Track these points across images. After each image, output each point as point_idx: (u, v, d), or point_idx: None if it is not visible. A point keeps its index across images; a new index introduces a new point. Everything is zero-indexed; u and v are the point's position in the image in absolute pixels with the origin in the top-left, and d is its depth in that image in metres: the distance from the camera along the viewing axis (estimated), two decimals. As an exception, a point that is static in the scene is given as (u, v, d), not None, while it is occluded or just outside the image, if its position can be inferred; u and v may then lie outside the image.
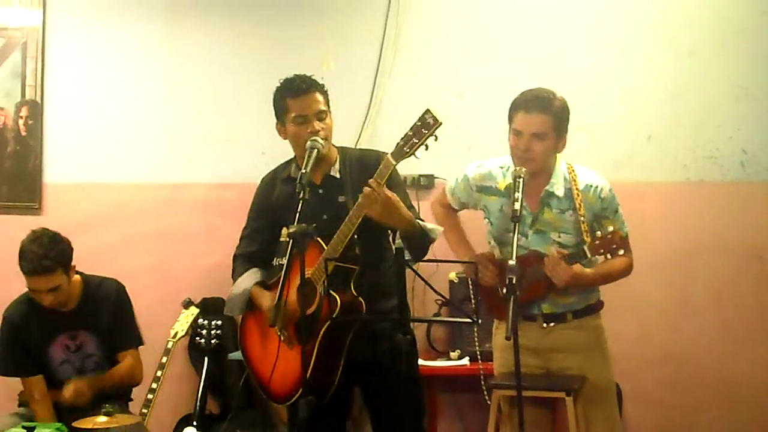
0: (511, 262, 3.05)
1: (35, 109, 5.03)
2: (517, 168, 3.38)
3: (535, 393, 3.44)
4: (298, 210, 3.13)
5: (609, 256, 3.45)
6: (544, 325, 3.56)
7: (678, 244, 4.72)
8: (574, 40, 4.80)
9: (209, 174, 5.00)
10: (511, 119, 3.52)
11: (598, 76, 4.77)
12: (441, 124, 3.08)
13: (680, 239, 4.72)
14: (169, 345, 4.09)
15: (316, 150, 3.31)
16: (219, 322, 4.46)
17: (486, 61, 4.82)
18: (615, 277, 3.58)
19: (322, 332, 3.25)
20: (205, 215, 4.98)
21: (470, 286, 4.38)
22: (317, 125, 3.37)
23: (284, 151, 3.56)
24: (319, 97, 3.41)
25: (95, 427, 3.48)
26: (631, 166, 4.73)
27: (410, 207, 3.39)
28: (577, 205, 3.50)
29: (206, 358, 4.49)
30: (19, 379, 4.10)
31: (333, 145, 3.48)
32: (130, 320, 4.14)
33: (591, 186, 3.54)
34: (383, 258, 3.44)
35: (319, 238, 3.26)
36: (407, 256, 3.33)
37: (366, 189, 3.18)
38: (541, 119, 3.45)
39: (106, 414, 3.52)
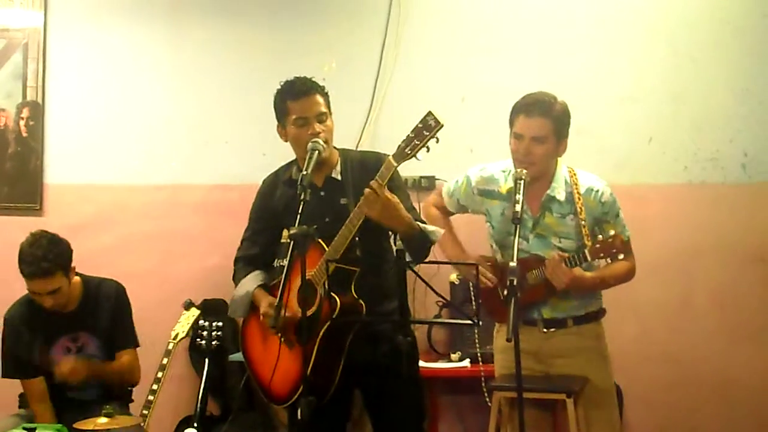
0: (512, 264, 3.05)
1: (36, 111, 5.03)
2: (518, 170, 3.38)
3: (536, 395, 3.44)
4: (300, 212, 3.14)
5: (609, 260, 3.45)
6: (544, 330, 3.56)
7: (679, 245, 4.72)
8: (575, 43, 4.80)
9: (210, 175, 5.00)
10: (511, 123, 3.53)
11: (599, 78, 4.78)
12: (442, 126, 3.08)
13: (681, 241, 4.72)
14: (170, 346, 4.08)
15: (317, 152, 3.30)
16: (220, 324, 4.46)
17: (487, 63, 4.82)
18: (616, 281, 3.58)
19: (321, 333, 3.25)
20: (206, 217, 4.98)
21: (471, 288, 4.38)
22: (318, 127, 3.37)
23: (285, 153, 3.56)
24: (320, 99, 3.41)
25: (96, 428, 3.48)
26: (632, 168, 4.73)
27: (411, 209, 3.40)
28: (578, 209, 3.50)
29: (207, 360, 4.49)
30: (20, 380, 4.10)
31: (334, 147, 3.48)
32: (128, 320, 4.14)
33: (592, 190, 3.54)
34: (384, 260, 3.44)
35: (320, 240, 3.26)
36: (408, 258, 3.33)
37: (367, 190, 3.18)
38: (542, 123, 3.46)
39: (107, 415, 3.52)
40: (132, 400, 4.17)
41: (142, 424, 3.77)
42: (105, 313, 4.07)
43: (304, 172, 3.20)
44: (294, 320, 3.25)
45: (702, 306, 4.72)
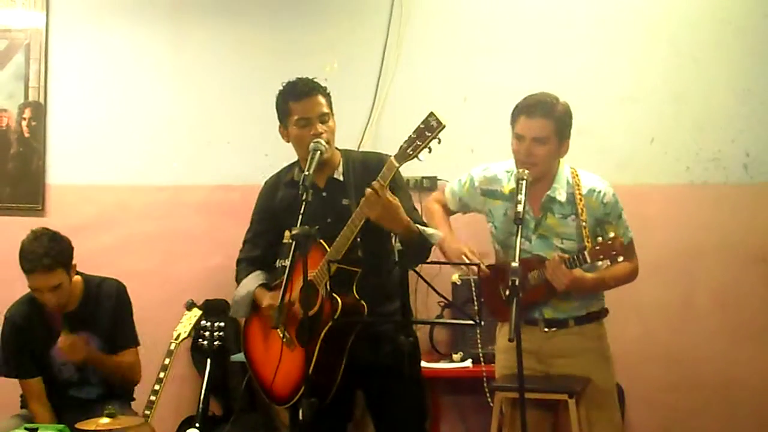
0: (514, 264, 3.05)
1: (38, 111, 5.03)
2: (520, 171, 3.38)
3: (538, 395, 3.44)
4: (301, 212, 3.14)
5: (609, 262, 3.44)
6: (545, 329, 3.56)
7: (681, 246, 4.72)
8: (576, 43, 4.80)
9: (212, 176, 5.01)
10: (513, 123, 3.52)
11: (600, 78, 4.78)
12: (444, 126, 3.07)
13: (683, 241, 4.72)
14: (172, 347, 4.08)
15: (319, 152, 3.30)
16: (222, 324, 4.47)
17: (489, 63, 4.83)
18: (617, 282, 3.58)
19: (323, 333, 3.25)
20: (208, 217, 4.98)
21: (473, 288, 4.38)
22: (320, 128, 3.37)
23: (287, 154, 3.56)
24: (322, 99, 3.41)
25: (98, 428, 3.48)
26: (634, 168, 4.73)
27: (413, 209, 3.40)
28: (579, 210, 3.50)
29: (209, 360, 4.50)
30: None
31: (336, 148, 3.48)
32: (129, 320, 4.14)
33: (594, 191, 3.53)
34: (386, 260, 3.44)
35: (321, 240, 3.26)
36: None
37: (368, 190, 3.18)
38: (543, 124, 3.45)
39: (109, 415, 3.52)
40: (134, 399, 4.17)
41: (144, 424, 3.77)
42: (106, 312, 4.06)
43: (306, 173, 3.20)
44: (296, 320, 3.25)
45: (704, 306, 4.72)
